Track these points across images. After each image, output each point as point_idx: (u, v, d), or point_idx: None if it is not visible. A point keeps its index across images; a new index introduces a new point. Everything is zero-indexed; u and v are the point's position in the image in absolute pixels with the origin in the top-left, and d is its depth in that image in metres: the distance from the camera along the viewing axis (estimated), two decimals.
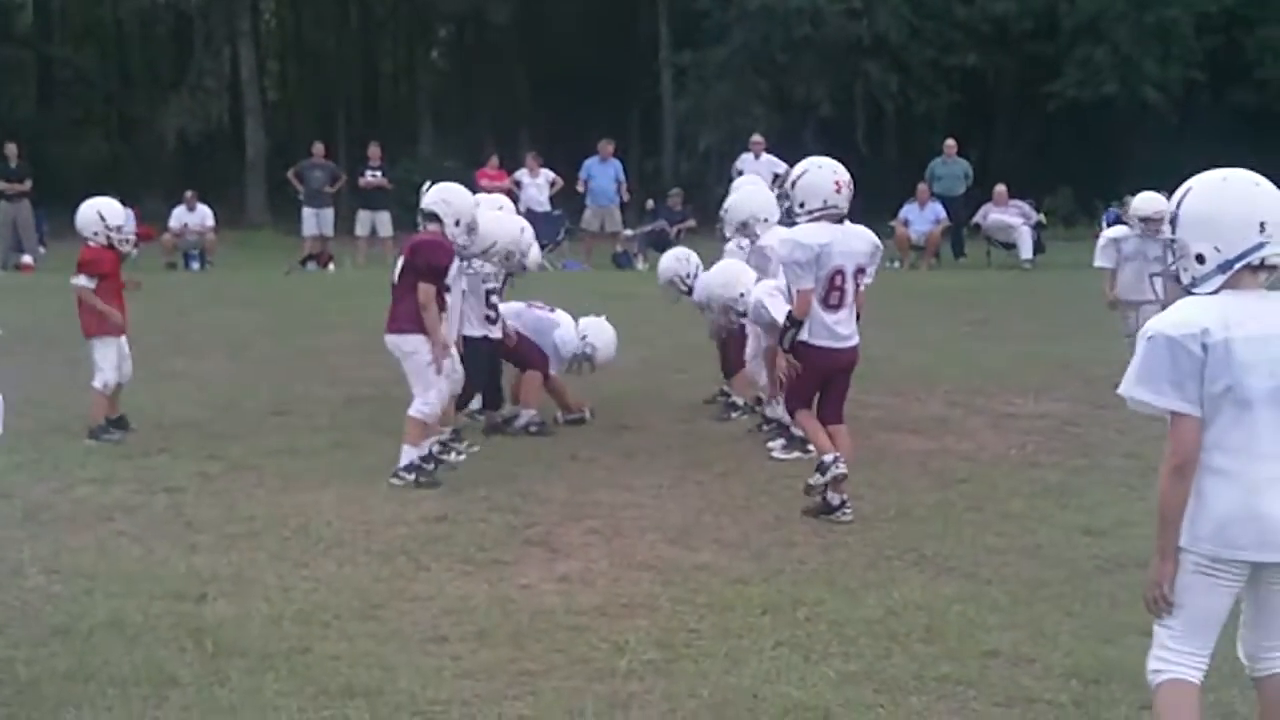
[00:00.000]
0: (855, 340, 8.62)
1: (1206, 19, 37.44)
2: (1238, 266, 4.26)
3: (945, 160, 27.56)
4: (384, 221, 26.91)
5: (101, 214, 10.88)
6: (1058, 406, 11.93)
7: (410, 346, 9.24)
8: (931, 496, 8.92)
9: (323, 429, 11.05)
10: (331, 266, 25.91)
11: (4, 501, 8.61)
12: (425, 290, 9.12)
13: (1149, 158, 38.36)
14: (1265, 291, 4.31)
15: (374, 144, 28.44)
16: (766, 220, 11.17)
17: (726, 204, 11.80)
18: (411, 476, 9.11)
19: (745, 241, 11.35)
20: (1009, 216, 26.30)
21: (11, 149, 26.87)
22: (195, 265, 26.48)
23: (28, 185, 26.61)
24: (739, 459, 9.95)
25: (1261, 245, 4.23)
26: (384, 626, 6.46)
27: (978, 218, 26.72)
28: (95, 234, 10.80)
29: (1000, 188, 26.79)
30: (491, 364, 10.84)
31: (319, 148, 28.15)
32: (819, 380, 8.62)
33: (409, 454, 9.18)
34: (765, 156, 25.40)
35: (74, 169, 43.14)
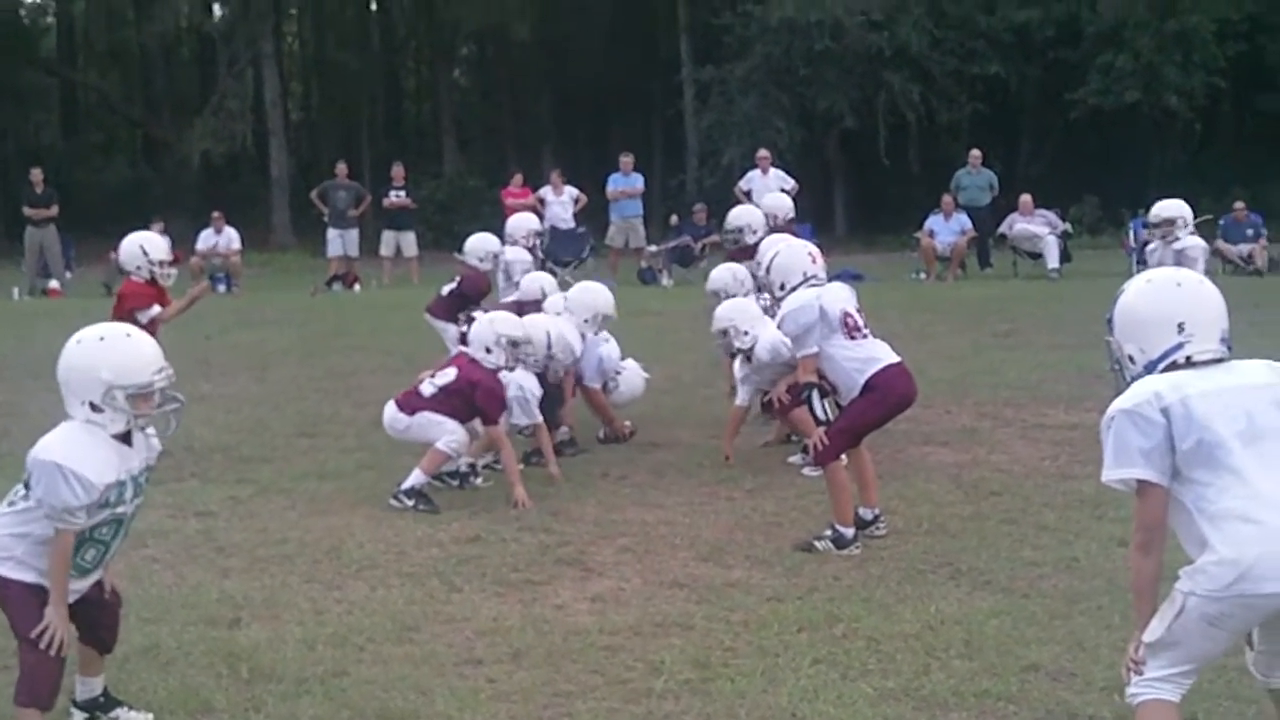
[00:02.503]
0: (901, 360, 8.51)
1: (1229, 26, 37.36)
2: (1160, 367, 4.48)
3: (970, 171, 27.47)
4: (409, 241, 26.94)
5: (144, 248, 10.75)
6: (1089, 417, 11.80)
7: (401, 426, 9.50)
8: (965, 509, 8.87)
9: (351, 450, 11.03)
10: (357, 287, 25.93)
11: None
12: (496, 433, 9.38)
13: (1173, 165, 38.36)
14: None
15: (397, 164, 28.49)
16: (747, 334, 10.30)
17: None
18: (411, 502, 9.07)
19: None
20: (1035, 226, 26.19)
21: (37, 174, 27.00)
22: (222, 288, 26.53)
23: (54, 210, 26.71)
24: (770, 475, 9.90)
25: (1181, 345, 4.46)
26: (419, 649, 6.44)
27: (1003, 228, 26.63)
28: (138, 268, 10.69)
29: (1026, 197, 26.70)
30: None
31: (342, 168, 28.21)
32: (889, 411, 8.46)
33: (417, 477, 9.16)
34: (773, 172, 25.34)
35: (99, 193, 43.45)
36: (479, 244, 12.92)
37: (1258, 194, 31.25)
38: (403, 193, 27.32)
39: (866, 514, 8.37)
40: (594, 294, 11.11)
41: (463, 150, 49.14)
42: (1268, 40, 37.99)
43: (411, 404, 9.40)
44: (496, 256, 12.61)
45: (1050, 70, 39.36)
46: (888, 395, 8.30)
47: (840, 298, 8.54)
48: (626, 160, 26.95)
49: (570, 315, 10.80)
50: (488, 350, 9.32)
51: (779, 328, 8.75)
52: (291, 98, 55.06)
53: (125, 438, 5.22)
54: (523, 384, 9.86)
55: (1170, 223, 12.77)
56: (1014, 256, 26.76)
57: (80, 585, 5.27)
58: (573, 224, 26.18)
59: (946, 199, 26.64)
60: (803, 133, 39.28)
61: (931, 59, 39.01)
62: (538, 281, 12.11)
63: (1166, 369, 4.48)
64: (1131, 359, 4.60)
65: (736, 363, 10.38)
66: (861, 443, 8.48)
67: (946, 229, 26.30)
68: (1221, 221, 26.33)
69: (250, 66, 46.23)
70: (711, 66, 40.31)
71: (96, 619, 5.46)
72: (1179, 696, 4.46)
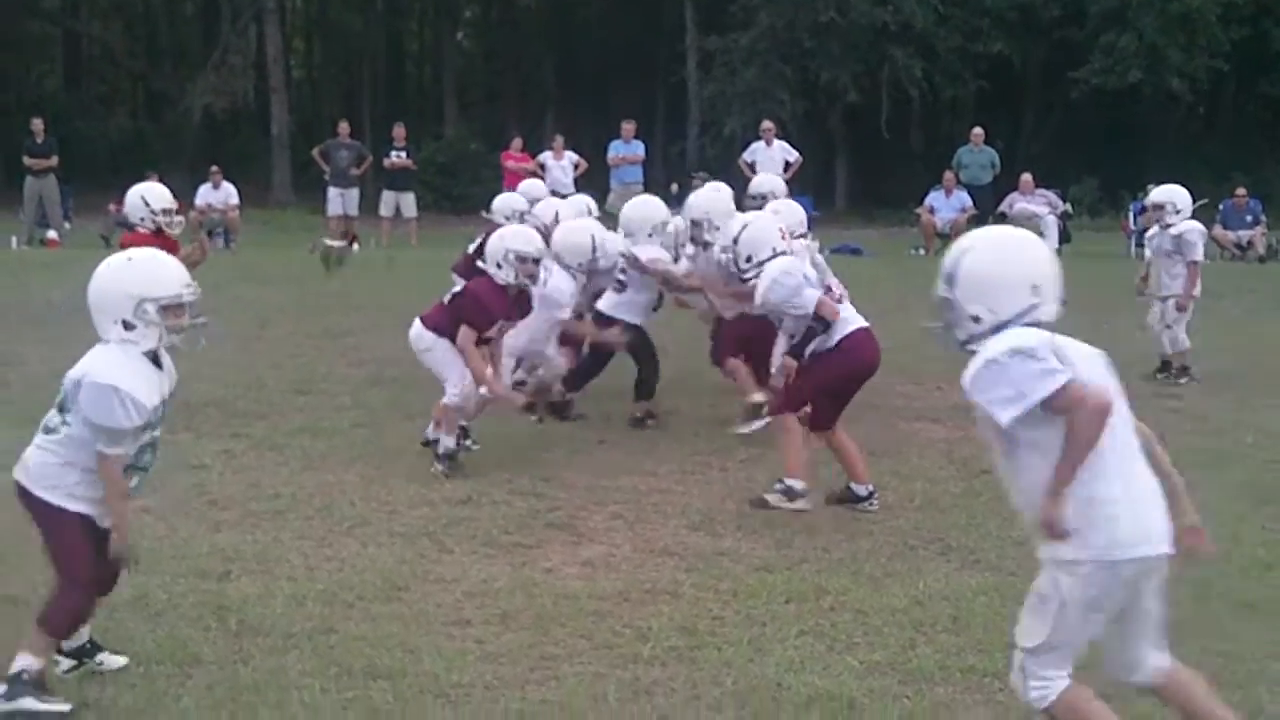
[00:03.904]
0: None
1: (1233, 9, 37.29)
2: (1012, 328, 4.44)
3: (972, 148, 27.44)
4: (408, 202, 26.91)
5: (145, 199, 10.59)
6: None
7: (425, 344, 9.23)
8: (956, 486, 8.89)
9: (346, 409, 11.04)
10: (356, 246, 25.90)
11: None
12: (465, 335, 9.06)
13: (1174, 148, 38.30)
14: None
15: (399, 124, 28.42)
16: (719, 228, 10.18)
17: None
18: (441, 467, 9.01)
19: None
20: (1035, 205, 26.20)
21: (38, 124, 26.94)
22: (220, 243, 26.47)
23: (54, 161, 26.66)
24: (762, 446, 9.89)
25: (1035, 306, 4.45)
26: (408, 608, 6.46)
27: (1003, 206, 26.62)
28: (142, 219, 10.51)
29: (1026, 176, 26.71)
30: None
31: (344, 127, 28.13)
32: (852, 377, 8.57)
33: (445, 442, 9.11)
34: (777, 143, 25.28)
35: (100, 145, 43.27)
36: (506, 202, 12.90)
37: (1258, 180, 31.27)
38: (404, 153, 27.26)
39: (860, 490, 8.42)
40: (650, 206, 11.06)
41: (464, 113, 49.06)
42: (1272, 25, 37.90)
43: (433, 319, 9.22)
44: (523, 215, 12.57)
45: (1054, 49, 39.30)
46: (851, 356, 8.43)
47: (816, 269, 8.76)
48: (628, 127, 26.86)
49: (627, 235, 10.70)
50: (498, 266, 9.08)
51: (766, 297, 8.65)
52: (294, 55, 54.90)
53: (155, 361, 5.31)
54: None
55: (1160, 207, 12.78)
56: None
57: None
58: (573, 189, 26.12)
59: (948, 176, 26.64)
60: (805, 105, 39.20)
61: (936, 35, 38.93)
62: (582, 202, 12.44)
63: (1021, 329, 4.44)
64: (977, 319, 4.54)
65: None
66: (837, 426, 8.53)
67: (947, 206, 26.31)
68: (1221, 207, 26.34)
69: (253, 22, 46.08)
70: (716, 36, 40.21)
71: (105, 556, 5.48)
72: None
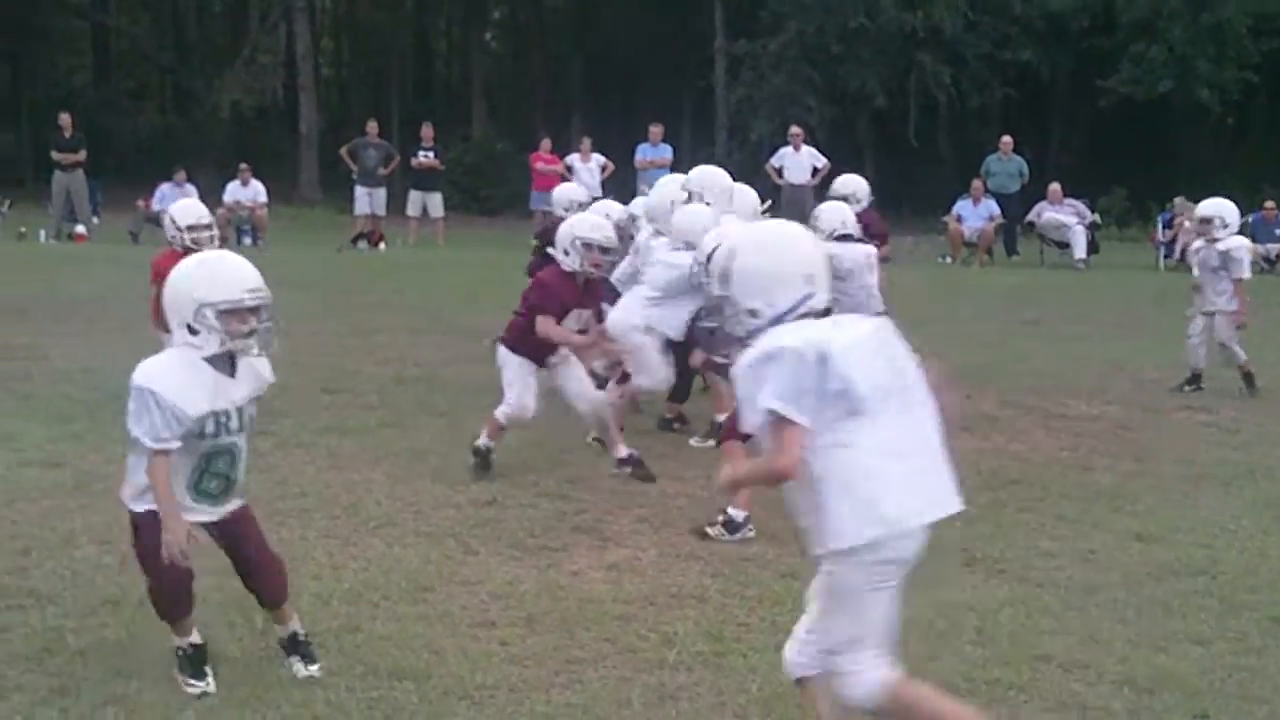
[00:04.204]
0: None
1: (1264, 21, 37.08)
2: (789, 319, 4.49)
3: (1001, 157, 27.41)
4: (435, 202, 26.98)
5: (173, 217, 10.27)
6: (1110, 409, 11.84)
7: (499, 361, 9.20)
8: (983, 497, 8.83)
9: (373, 408, 11.06)
10: (383, 246, 25.96)
11: (56, 470, 8.65)
12: (543, 324, 9.00)
13: (1203, 160, 38.17)
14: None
15: (426, 124, 28.47)
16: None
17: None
18: (473, 460, 9.05)
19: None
20: (1063, 215, 26.17)
21: (65, 119, 27.04)
22: (247, 240, 26.55)
23: (82, 155, 26.76)
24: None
25: (811, 296, 4.52)
26: (433, 609, 6.46)
27: (1032, 215, 26.60)
28: (172, 239, 10.13)
29: (1055, 186, 26.68)
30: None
31: (373, 126, 28.20)
32: None
33: (484, 439, 9.12)
34: (805, 149, 25.30)
35: (128, 141, 43.43)
36: (564, 194, 12.96)
37: None
38: (431, 154, 27.32)
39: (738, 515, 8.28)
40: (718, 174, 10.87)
41: (492, 114, 49.10)
42: None
43: (507, 336, 9.16)
44: (581, 206, 12.56)
45: (1083, 58, 39.17)
46: None
47: None
48: (656, 130, 26.89)
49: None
50: (566, 253, 8.99)
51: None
52: (323, 54, 55.04)
53: (230, 365, 5.32)
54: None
55: (1207, 221, 12.63)
56: (1041, 245, 26.74)
57: (214, 512, 5.46)
58: (599, 192, 26.16)
59: (976, 184, 26.62)
60: (834, 111, 39.13)
61: (965, 42, 38.85)
62: (605, 206, 12.15)
63: (799, 319, 4.50)
64: (755, 313, 4.54)
65: None
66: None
67: (975, 214, 26.29)
68: (1250, 219, 26.23)
69: (282, 20, 46.19)
70: (745, 40, 40.17)
71: (246, 569, 5.63)
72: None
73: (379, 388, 11.84)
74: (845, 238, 11.68)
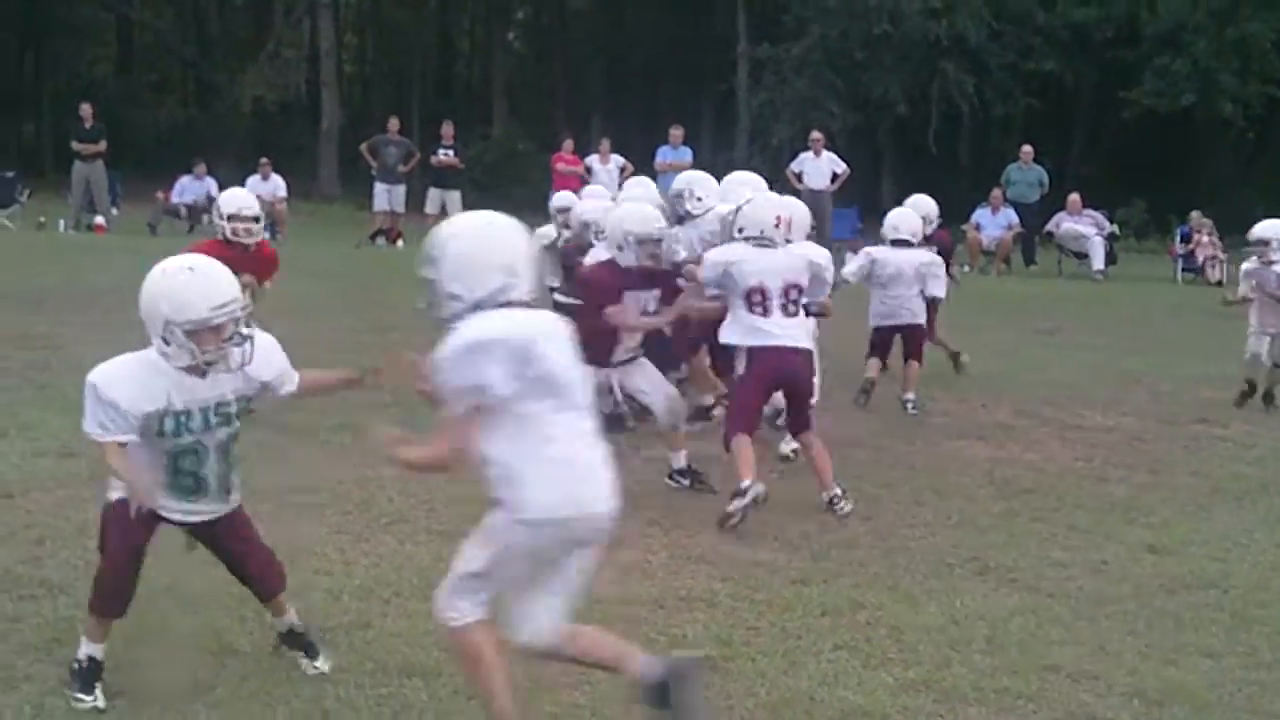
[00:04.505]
0: (796, 342, 8.63)
1: None
2: (487, 306, 4.71)
3: (1021, 166, 27.37)
4: (454, 201, 26.94)
5: (218, 204, 10.16)
6: (1125, 421, 11.82)
7: None
8: (996, 506, 8.85)
9: (387, 404, 11.00)
10: (401, 243, 25.97)
11: (71, 460, 8.64)
12: (612, 314, 8.85)
13: (1223, 174, 38.09)
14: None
15: (447, 122, 28.44)
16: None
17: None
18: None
19: None
20: (1082, 226, 26.13)
21: (86, 109, 27.07)
22: (266, 235, 26.55)
23: (102, 146, 26.78)
24: (802, 458, 9.88)
25: (510, 286, 4.74)
26: None
27: (1050, 226, 26.55)
28: (217, 227, 10.03)
29: (1074, 196, 26.64)
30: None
31: (394, 123, 28.19)
32: (763, 389, 8.73)
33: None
34: (825, 154, 25.29)
35: (149, 133, 43.53)
36: (560, 201, 13.13)
37: None
38: (451, 152, 27.31)
39: (824, 497, 8.57)
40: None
41: (513, 113, 49.12)
42: None
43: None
44: (561, 213, 12.59)
45: (1106, 70, 39.08)
46: (760, 374, 8.58)
47: (773, 268, 8.61)
48: (676, 133, 26.86)
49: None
50: (620, 249, 8.83)
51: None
52: (345, 50, 55.11)
53: (200, 370, 5.28)
54: None
55: (1265, 243, 12.39)
56: (1059, 255, 26.70)
57: (194, 511, 5.46)
58: (618, 193, 26.13)
59: (995, 193, 26.58)
60: (855, 117, 39.10)
61: (988, 51, 38.80)
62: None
63: (497, 308, 4.71)
64: (456, 297, 4.76)
65: None
66: (812, 429, 8.78)
67: (993, 223, 26.24)
68: None
69: (306, 15, 46.27)
70: (767, 45, 40.14)
71: (238, 565, 5.64)
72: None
73: (393, 385, 11.81)
74: (902, 243, 11.76)
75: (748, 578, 7.16)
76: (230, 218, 9.95)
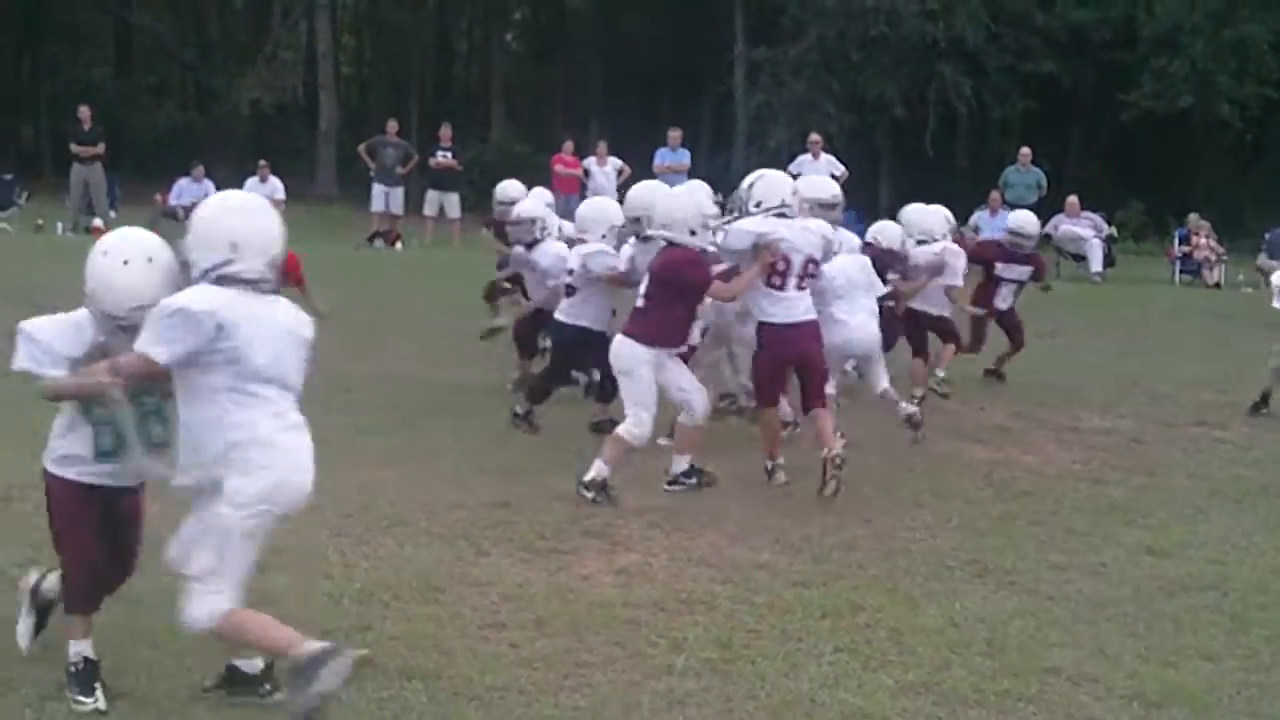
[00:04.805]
0: (809, 315, 9.06)
1: None
2: (213, 276, 5.02)
3: (1019, 168, 27.33)
4: (453, 203, 26.95)
5: None
6: (1124, 423, 11.83)
7: (625, 364, 8.91)
8: (994, 508, 8.86)
9: (387, 407, 11.08)
10: (399, 245, 25.97)
11: None
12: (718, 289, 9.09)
13: (1221, 175, 38.11)
14: (261, 296, 5.11)
15: (445, 124, 28.44)
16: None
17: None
18: (591, 494, 8.60)
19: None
20: (1080, 228, 26.14)
21: (85, 112, 27.03)
22: None
23: (101, 149, 26.75)
24: (802, 459, 9.89)
25: (230, 263, 5.01)
26: (444, 609, 6.48)
27: (1048, 228, 26.50)
28: None
29: (1073, 198, 26.64)
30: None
31: (393, 125, 28.15)
32: (780, 363, 9.12)
33: (598, 469, 8.72)
34: (823, 157, 25.27)
35: (148, 135, 43.48)
36: (505, 189, 13.30)
37: None
38: (449, 154, 27.29)
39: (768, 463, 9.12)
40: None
41: (511, 115, 49.10)
42: None
43: (634, 327, 8.86)
44: (514, 202, 12.70)
45: (1104, 71, 39.08)
46: (775, 352, 9.03)
47: (798, 243, 8.92)
48: (675, 135, 26.84)
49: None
50: (693, 233, 8.74)
51: (721, 242, 8.99)
52: (343, 51, 55.09)
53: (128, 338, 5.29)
54: None
55: None
56: (1057, 257, 26.69)
57: (106, 469, 5.39)
58: (615, 195, 26.13)
59: (994, 195, 26.55)
60: (852, 119, 39.07)
61: (986, 53, 38.76)
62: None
63: (217, 281, 5.00)
64: (190, 265, 5.09)
65: None
66: (825, 404, 9.13)
67: (992, 225, 26.16)
68: (1268, 236, 26.14)
69: (304, 17, 46.24)
70: (765, 47, 40.12)
71: (115, 550, 5.53)
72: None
73: (393, 387, 11.86)
74: (924, 242, 11.88)
75: (748, 580, 7.17)
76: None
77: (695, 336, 9.70)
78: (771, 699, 5.59)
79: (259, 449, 5.03)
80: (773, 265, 8.80)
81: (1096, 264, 25.65)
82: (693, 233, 8.73)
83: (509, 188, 13.34)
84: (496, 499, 8.43)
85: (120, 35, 51.80)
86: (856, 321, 10.05)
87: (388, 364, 12.85)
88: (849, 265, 10.35)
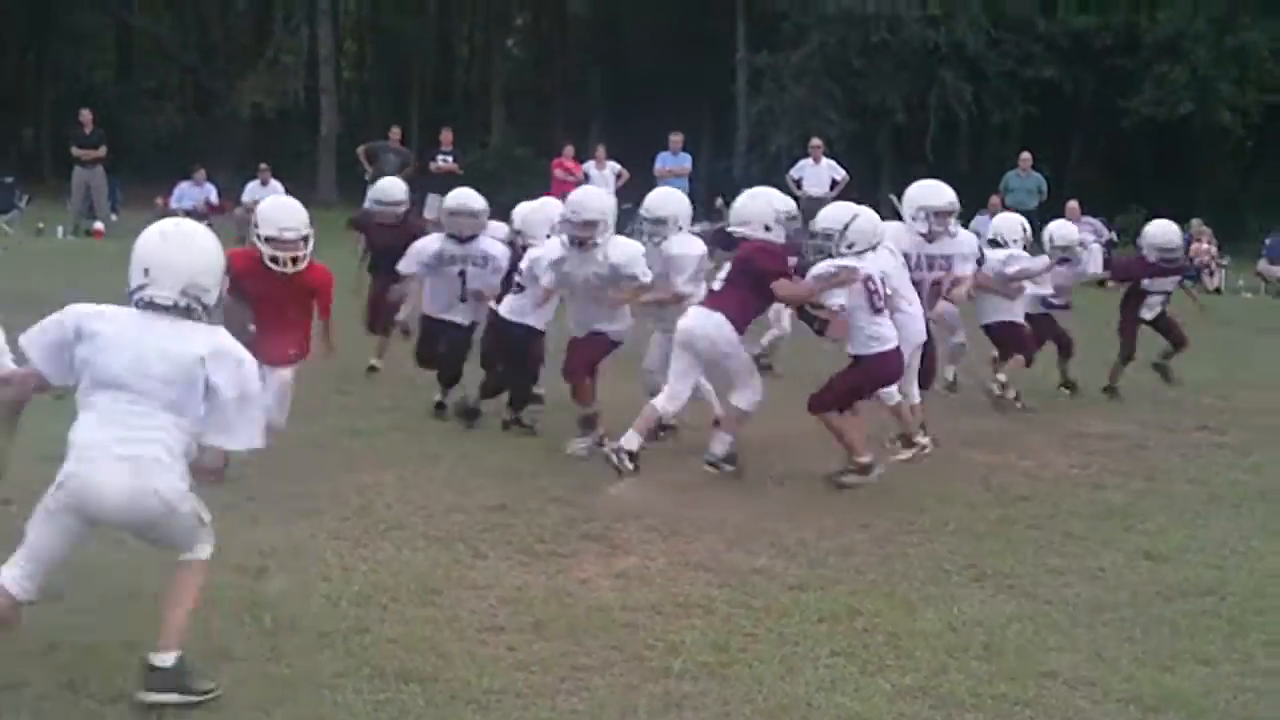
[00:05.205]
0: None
1: None
2: (132, 297, 5.31)
3: (1020, 173, 27.34)
4: None
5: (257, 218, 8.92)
6: (1125, 428, 11.84)
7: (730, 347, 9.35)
8: (993, 512, 8.86)
9: (385, 410, 11.10)
10: None
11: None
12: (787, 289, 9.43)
13: (1221, 182, 38.12)
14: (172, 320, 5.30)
15: (446, 129, 28.43)
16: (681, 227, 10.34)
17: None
18: (629, 464, 9.06)
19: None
20: (1081, 233, 26.09)
21: (86, 115, 27.09)
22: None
23: (102, 152, 26.80)
24: (799, 462, 9.89)
25: (144, 287, 5.29)
26: (441, 612, 6.47)
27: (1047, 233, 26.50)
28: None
29: (1073, 203, 26.61)
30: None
31: (396, 132, 28.13)
32: (876, 387, 9.39)
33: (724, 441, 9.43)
34: (824, 161, 25.28)
35: (148, 138, 43.49)
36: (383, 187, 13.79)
37: None
38: (450, 158, 27.29)
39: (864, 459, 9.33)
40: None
41: (511, 120, 49.11)
42: None
43: (734, 308, 9.31)
44: (396, 203, 13.39)
45: (1105, 78, 39.07)
46: (873, 376, 9.24)
47: (886, 266, 9.30)
48: (676, 139, 26.84)
49: None
50: (767, 228, 9.32)
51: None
52: (345, 56, 55.08)
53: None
54: None
55: None
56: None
57: None
58: (614, 199, 26.09)
59: (994, 199, 26.56)
60: (854, 125, 39.08)
61: (987, 59, 38.77)
62: None
63: (135, 302, 5.30)
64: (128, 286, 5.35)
65: None
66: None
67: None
68: (1268, 241, 26.21)
69: (305, 22, 46.24)
70: (766, 52, 40.13)
71: None
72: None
73: (391, 390, 11.87)
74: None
75: (746, 584, 7.16)
76: (268, 240, 8.75)
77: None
78: (768, 702, 5.59)
79: (75, 445, 5.23)
80: (872, 293, 9.07)
81: (1095, 268, 25.62)
82: (767, 228, 9.31)
83: (392, 188, 13.49)
84: (494, 502, 8.43)
85: (121, 38, 51.79)
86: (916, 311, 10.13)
87: (387, 365, 12.83)
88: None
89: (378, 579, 6.90)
